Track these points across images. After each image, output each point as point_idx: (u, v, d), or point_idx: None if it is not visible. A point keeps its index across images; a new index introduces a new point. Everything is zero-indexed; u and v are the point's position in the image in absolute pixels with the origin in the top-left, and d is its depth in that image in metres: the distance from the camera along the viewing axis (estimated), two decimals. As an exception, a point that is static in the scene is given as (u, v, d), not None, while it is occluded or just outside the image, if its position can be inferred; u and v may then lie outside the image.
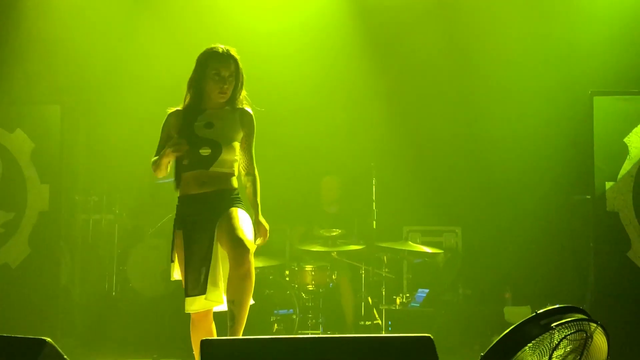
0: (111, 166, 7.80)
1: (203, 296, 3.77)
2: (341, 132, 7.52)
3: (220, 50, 3.98)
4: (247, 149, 4.05)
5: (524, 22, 7.07)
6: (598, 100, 6.02)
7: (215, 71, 3.95)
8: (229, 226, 3.78)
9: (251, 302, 3.90)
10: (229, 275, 3.73)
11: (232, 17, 7.05)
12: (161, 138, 4.00)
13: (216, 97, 3.97)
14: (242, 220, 3.83)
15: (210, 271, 3.77)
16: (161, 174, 3.95)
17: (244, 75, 4.06)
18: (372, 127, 7.52)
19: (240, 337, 2.74)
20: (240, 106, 4.05)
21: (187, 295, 3.83)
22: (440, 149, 7.79)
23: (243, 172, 4.06)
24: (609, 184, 5.96)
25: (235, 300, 3.67)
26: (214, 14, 7.04)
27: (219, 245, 3.81)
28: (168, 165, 3.93)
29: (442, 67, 7.42)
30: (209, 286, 3.76)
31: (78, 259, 7.54)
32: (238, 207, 3.90)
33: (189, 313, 3.91)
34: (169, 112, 4.06)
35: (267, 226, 4.00)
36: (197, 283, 3.80)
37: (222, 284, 3.81)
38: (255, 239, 3.94)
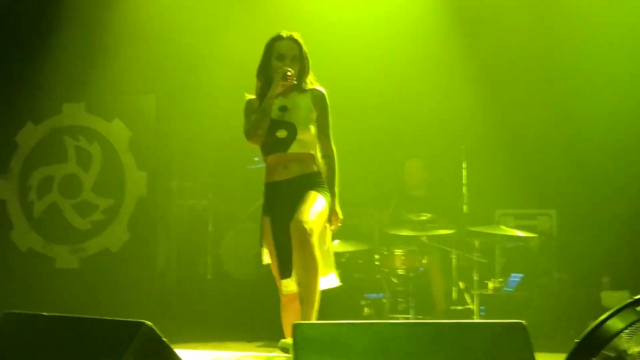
0: (204, 152, 7.98)
1: (292, 278, 3.85)
2: (429, 115, 7.43)
3: (284, 34, 4.07)
4: (322, 128, 4.05)
5: (619, 4, 6.80)
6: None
7: (278, 54, 4.02)
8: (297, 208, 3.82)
9: (337, 283, 3.95)
10: (293, 258, 3.78)
11: (318, 6, 7.08)
12: (246, 123, 4.08)
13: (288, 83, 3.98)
14: (311, 202, 3.84)
15: None
16: (258, 136, 3.95)
17: (309, 60, 4.09)
18: (461, 109, 7.39)
19: (332, 321, 2.78)
20: (311, 87, 4.08)
21: (281, 278, 3.94)
22: (533, 129, 7.58)
23: (320, 154, 4.07)
24: None
25: (302, 282, 3.74)
26: (302, 3, 7.07)
27: None
28: (267, 123, 3.93)
29: (534, 47, 7.23)
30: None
31: (174, 244, 7.77)
32: (317, 190, 3.92)
33: (280, 295, 4.00)
34: (247, 98, 4.14)
35: (340, 216, 4.02)
36: (285, 267, 3.88)
37: None
38: (330, 224, 3.98)
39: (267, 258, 4.06)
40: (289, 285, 3.92)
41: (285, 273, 3.90)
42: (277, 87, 3.93)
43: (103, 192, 6.94)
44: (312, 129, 4.01)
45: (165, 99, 7.16)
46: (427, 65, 7.42)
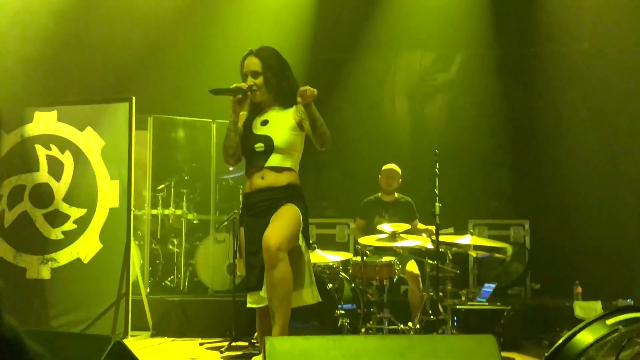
0: (178, 163, 7.95)
1: (260, 292, 3.81)
2: (403, 120, 7.46)
3: (251, 50, 4.01)
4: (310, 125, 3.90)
5: None
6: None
7: (243, 73, 4.00)
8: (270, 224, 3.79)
9: (315, 300, 3.91)
10: (265, 273, 3.74)
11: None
12: None
13: (252, 95, 3.97)
14: (284, 216, 3.80)
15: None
16: (229, 156, 3.96)
17: (288, 70, 4.01)
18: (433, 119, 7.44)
19: (303, 336, 2.76)
20: (296, 102, 3.93)
21: (247, 291, 3.91)
22: (508, 139, 7.64)
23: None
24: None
25: (272, 298, 3.69)
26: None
27: None
28: (235, 141, 3.92)
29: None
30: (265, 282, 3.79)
31: (147, 254, 7.71)
32: (292, 202, 3.89)
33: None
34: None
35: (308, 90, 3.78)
36: (254, 279, 3.85)
37: None
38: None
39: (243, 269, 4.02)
40: (254, 299, 3.86)
41: (252, 285, 3.86)
42: (233, 105, 3.91)
43: (75, 201, 6.82)
44: (293, 141, 3.95)
45: (139, 106, 7.06)
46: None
